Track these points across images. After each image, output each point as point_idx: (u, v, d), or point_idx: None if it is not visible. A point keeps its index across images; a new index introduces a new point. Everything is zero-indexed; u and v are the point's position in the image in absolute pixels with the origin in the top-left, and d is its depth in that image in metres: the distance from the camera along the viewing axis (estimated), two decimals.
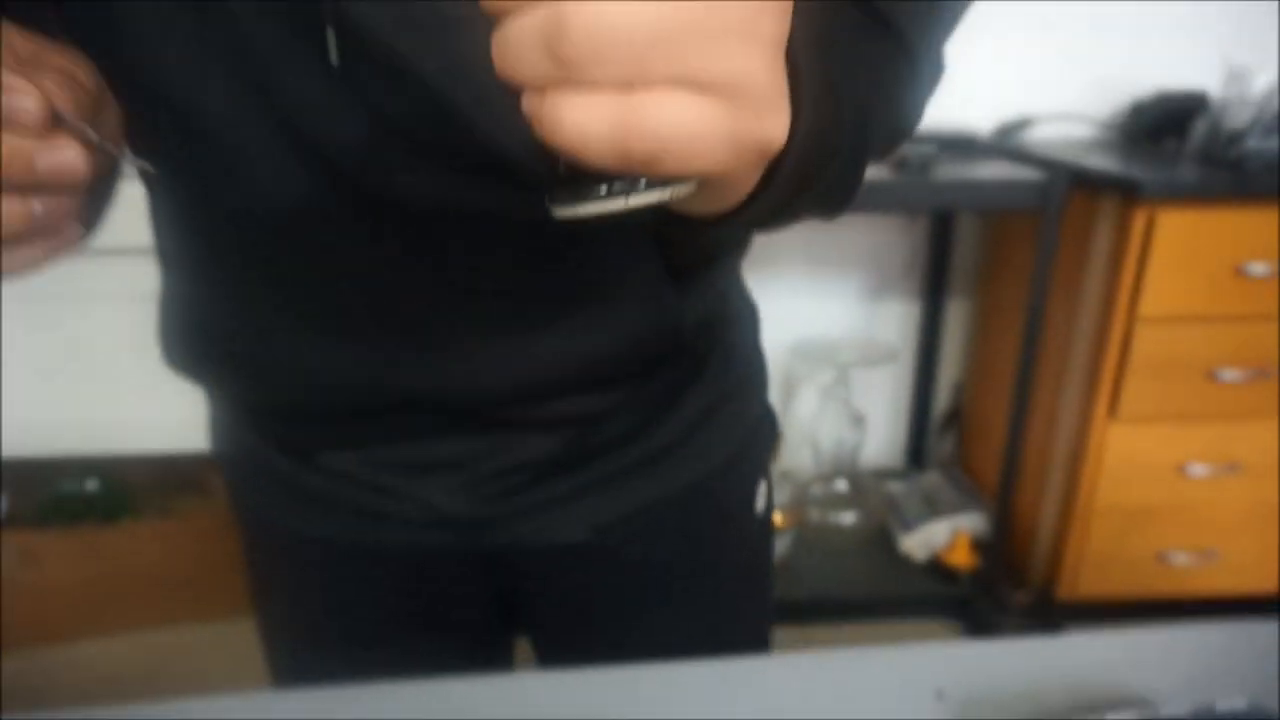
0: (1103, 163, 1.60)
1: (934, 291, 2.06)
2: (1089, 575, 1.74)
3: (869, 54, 0.40)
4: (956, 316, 2.13)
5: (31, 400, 1.56)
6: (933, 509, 1.96)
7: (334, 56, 0.41)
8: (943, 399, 2.20)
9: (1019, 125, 1.90)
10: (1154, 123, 1.81)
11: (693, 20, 0.23)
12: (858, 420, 2.00)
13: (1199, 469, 1.63)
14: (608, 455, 0.60)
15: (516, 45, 0.24)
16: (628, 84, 0.23)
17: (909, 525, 1.93)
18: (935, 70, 0.46)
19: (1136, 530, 1.68)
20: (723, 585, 0.68)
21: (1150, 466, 1.62)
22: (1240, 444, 1.63)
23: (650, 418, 0.60)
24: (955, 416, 2.19)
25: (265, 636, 0.71)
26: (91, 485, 1.82)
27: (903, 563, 1.92)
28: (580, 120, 0.24)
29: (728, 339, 0.64)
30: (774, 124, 0.26)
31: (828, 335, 2.08)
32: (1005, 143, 1.86)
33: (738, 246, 0.64)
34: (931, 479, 2.10)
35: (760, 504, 0.69)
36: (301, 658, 0.69)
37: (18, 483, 1.80)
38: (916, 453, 2.20)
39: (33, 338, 1.52)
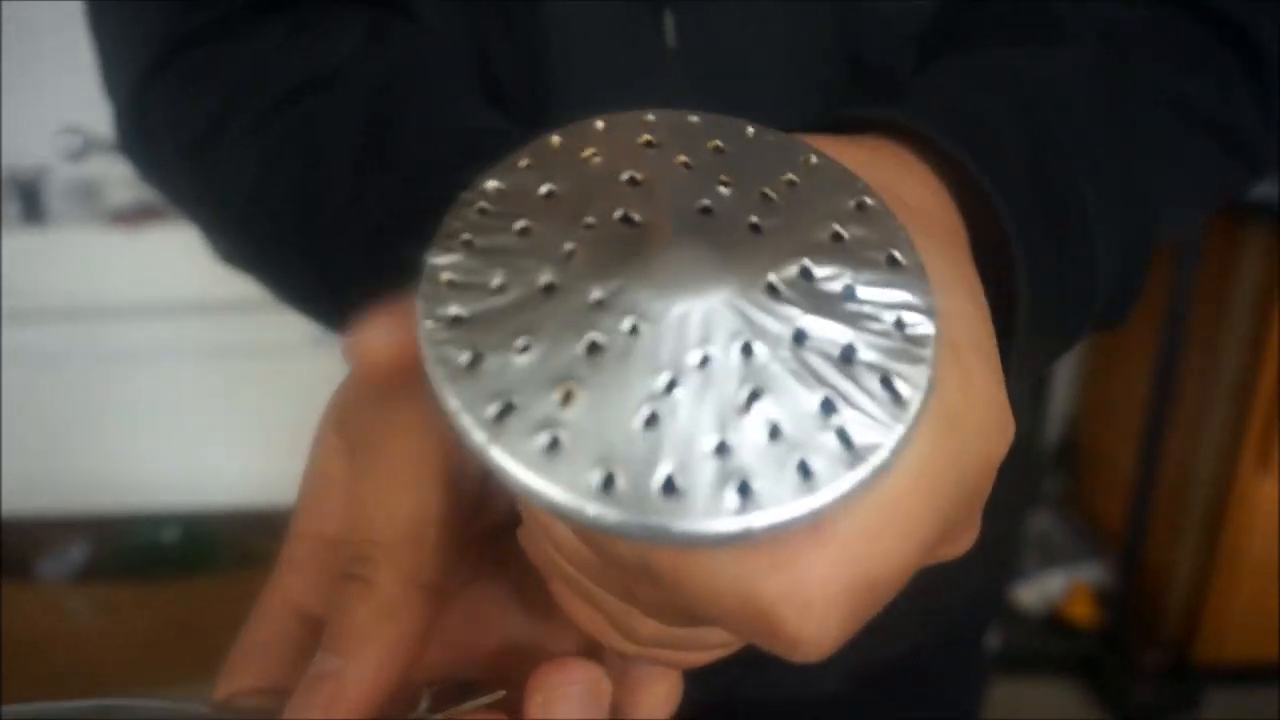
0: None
1: None
2: (1235, 635, 1.56)
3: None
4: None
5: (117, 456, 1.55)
6: (1047, 556, 1.80)
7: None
8: (1052, 432, 2.02)
9: None
10: None
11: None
12: None
13: None
14: None
15: None
16: None
17: (1024, 574, 1.78)
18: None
19: None
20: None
21: None
22: None
23: None
24: (1069, 452, 2.01)
25: None
26: (170, 536, 1.79)
27: (1018, 616, 1.76)
28: None
29: None
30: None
31: None
32: None
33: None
34: (1044, 521, 1.93)
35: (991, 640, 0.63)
36: None
37: (96, 533, 1.79)
38: (1028, 490, 2.04)
39: (113, 396, 1.50)
